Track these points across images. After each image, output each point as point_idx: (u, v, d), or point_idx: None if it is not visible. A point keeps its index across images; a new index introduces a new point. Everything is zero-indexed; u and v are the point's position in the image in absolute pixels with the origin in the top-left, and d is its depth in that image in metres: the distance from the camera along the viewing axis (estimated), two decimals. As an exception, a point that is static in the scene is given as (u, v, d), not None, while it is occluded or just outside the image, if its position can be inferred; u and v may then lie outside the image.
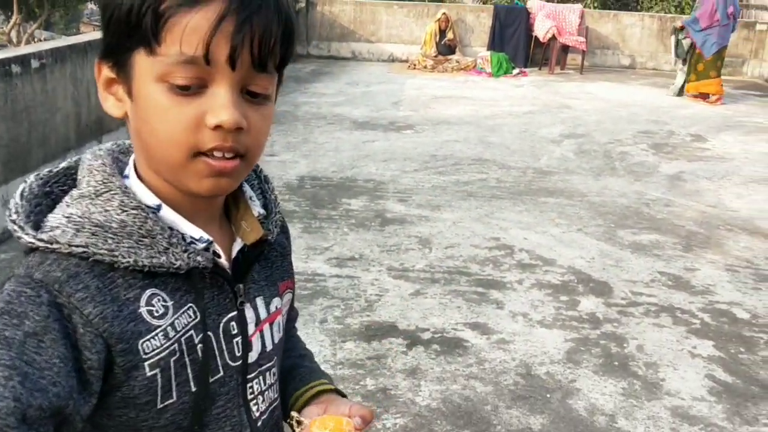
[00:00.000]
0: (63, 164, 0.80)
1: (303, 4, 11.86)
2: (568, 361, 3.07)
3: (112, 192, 0.73)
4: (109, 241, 0.71)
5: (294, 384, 0.96)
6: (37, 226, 0.72)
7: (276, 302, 0.88)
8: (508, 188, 5.46)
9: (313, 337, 3.16)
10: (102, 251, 0.70)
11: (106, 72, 0.73)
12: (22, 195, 0.75)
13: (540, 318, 3.44)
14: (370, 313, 3.44)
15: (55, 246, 0.70)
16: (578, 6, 12.37)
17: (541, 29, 11.51)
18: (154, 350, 0.72)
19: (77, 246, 0.69)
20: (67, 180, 0.79)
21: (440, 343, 3.18)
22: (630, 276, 3.95)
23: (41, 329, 0.66)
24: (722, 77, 9.68)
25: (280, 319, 0.89)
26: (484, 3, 20.06)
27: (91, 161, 0.76)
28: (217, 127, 0.68)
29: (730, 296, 3.74)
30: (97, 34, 6.25)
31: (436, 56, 11.45)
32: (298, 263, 3.96)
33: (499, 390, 2.84)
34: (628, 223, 4.78)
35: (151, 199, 0.75)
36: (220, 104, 0.68)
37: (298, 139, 6.73)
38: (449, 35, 11.64)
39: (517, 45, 11.82)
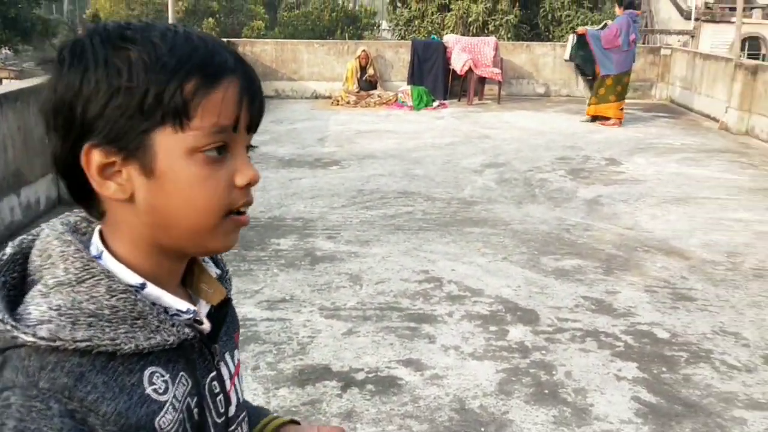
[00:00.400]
0: (8, 250, 0.77)
1: (223, 44, 11.83)
2: (500, 393, 3.12)
3: (95, 278, 0.72)
4: (107, 330, 0.70)
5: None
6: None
7: (236, 354, 0.93)
8: (434, 220, 5.55)
9: (245, 386, 3.09)
10: (105, 342, 0.69)
11: (101, 158, 0.71)
12: None
13: (471, 350, 3.49)
14: (303, 357, 3.42)
15: (58, 343, 0.68)
16: (492, 38, 12.80)
17: (458, 62, 11.84)
18: (168, 425, 0.74)
19: (81, 341, 0.68)
20: (15, 266, 0.76)
21: (375, 383, 3.18)
22: (555, 302, 4.06)
23: None
24: (627, 101, 10.17)
25: (241, 370, 0.94)
26: (402, 39, 20.49)
27: (63, 248, 0.73)
28: (247, 185, 0.77)
29: (650, 317, 3.90)
30: (12, 85, 6.04)
31: (358, 92, 11.60)
32: (227, 309, 3.90)
33: (435, 427, 2.86)
34: (550, 249, 4.93)
35: (133, 278, 0.75)
36: (244, 164, 0.77)
37: (223, 180, 6.66)
38: (370, 71, 11.83)
39: (436, 78, 12.10)
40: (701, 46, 21.62)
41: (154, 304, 0.75)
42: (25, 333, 0.67)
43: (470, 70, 11.73)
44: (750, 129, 9.58)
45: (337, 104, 11.46)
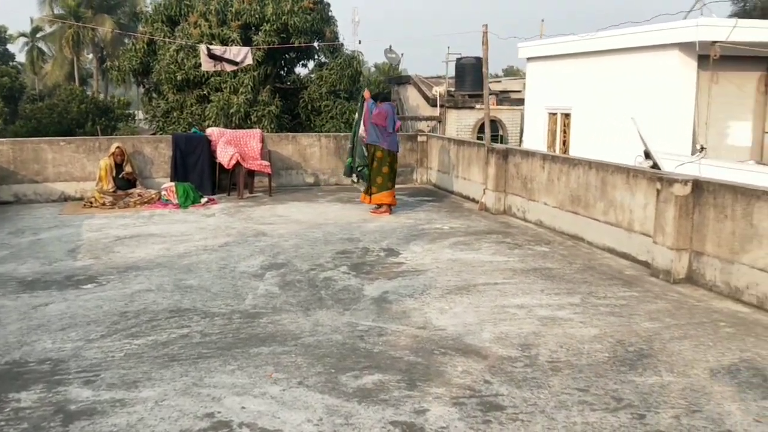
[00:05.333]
0: None
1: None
2: None
3: None
4: None
5: None
6: None
7: None
8: (215, 342, 4.89)
9: None
10: None
11: None
12: None
13: None
14: None
15: None
16: (257, 131, 12.56)
17: (224, 156, 11.35)
18: None
19: None
20: None
21: None
22: (363, 432, 3.61)
23: None
24: (396, 187, 10.39)
25: None
26: (161, 130, 19.58)
27: None
28: None
29: (464, 435, 3.60)
30: None
31: (114, 191, 10.57)
32: None
33: None
34: (347, 364, 4.51)
35: None
36: None
37: (-57, 316, 5.40)
38: (127, 168, 10.88)
39: (202, 173, 11.49)
40: (448, 129, 23.47)
41: None
42: None
43: (238, 163, 11.29)
44: (507, 208, 10.22)
45: (91, 206, 10.33)
